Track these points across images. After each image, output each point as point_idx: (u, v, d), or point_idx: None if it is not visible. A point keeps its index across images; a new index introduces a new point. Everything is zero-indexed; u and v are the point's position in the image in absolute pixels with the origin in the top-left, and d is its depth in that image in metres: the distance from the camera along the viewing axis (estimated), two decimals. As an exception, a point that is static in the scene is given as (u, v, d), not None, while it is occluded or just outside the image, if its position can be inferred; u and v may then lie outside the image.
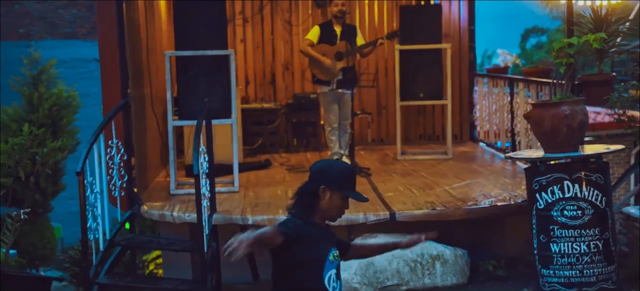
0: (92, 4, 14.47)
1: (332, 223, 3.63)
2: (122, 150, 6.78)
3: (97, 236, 6.23)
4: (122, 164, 6.75)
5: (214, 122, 6.96)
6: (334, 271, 3.55)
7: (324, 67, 8.28)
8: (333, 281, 3.54)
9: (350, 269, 6.17)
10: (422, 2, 10.24)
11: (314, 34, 8.43)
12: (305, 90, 10.46)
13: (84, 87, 13.25)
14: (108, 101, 7.88)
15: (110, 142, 6.61)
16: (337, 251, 3.60)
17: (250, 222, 6.56)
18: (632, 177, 11.07)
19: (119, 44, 7.15)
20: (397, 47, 9.05)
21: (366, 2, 10.68)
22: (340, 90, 8.37)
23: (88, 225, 6.04)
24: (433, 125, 10.91)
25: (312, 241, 3.49)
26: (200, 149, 6.20)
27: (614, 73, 8.86)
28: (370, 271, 6.16)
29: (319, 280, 3.50)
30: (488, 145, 10.03)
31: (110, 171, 6.62)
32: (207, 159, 6.45)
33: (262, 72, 10.76)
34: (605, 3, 11.54)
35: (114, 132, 6.67)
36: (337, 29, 8.37)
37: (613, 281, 5.90)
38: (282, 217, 6.46)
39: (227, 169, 7.74)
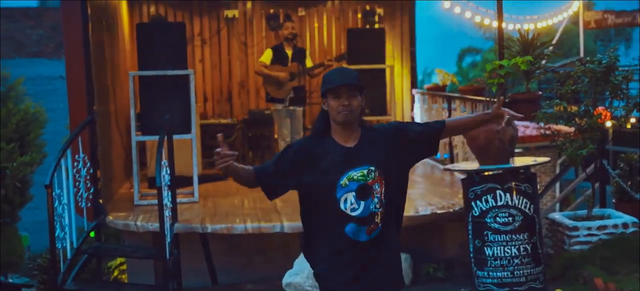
0: (58, 25, 14.29)
1: (341, 140, 3.31)
2: (88, 164, 6.72)
3: (64, 245, 6.16)
4: (88, 177, 6.70)
5: (175, 137, 6.95)
6: (351, 193, 3.27)
7: (280, 81, 8.33)
8: (351, 204, 3.27)
9: (303, 273, 6.21)
10: (368, 26, 10.36)
11: (267, 56, 8.48)
12: (259, 106, 10.48)
13: (50, 103, 13.06)
14: (75, 117, 7.81)
15: (77, 156, 6.56)
16: (362, 173, 3.27)
17: (209, 230, 6.56)
18: (557, 185, 11.36)
19: (85, 63, 7.11)
20: (345, 66, 9.14)
21: (316, 25, 10.77)
22: (291, 107, 8.45)
23: (56, 235, 5.98)
24: (378, 138, 11.01)
25: (320, 161, 3.28)
26: (162, 163, 6.19)
27: (541, 92, 9.08)
28: (321, 274, 6.19)
29: (333, 204, 3.27)
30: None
31: (76, 183, 6.56)
32: (168, 172, 6.44)
33: (219, 90, 10.76)
34: (532, 27, 11.85)
35: (80, 146, 6.61)
36: (289, 52, 8.44)
37: (540, 280, 6.05)
38: (240, 226, 6.50)
39: (187, 181, 7.72)
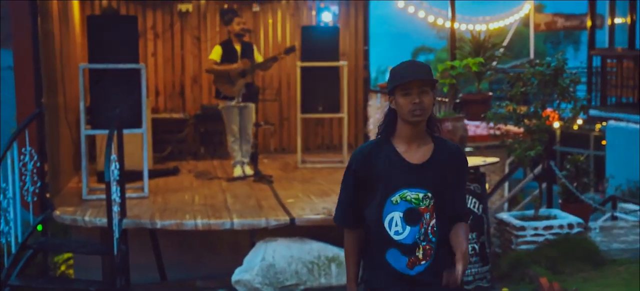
0: (7, 15, 13.96)
1: (404, 149, 2.95)
2: (36, 157, 6.57)
3: (9, 239, 6.03)
4: (35, 170, 6.55)
5: (125, 131, 6.84)
6: (399, 213, 2.92)
7: (231, 77, 8.23)
8: (397, 225, 2.93)
9: (252, 270, 6.18)
10: (322, 24, 10.36)
11: (216, 53, 8.36)
12: (212, 102, 10.37)
13: (-2, 94, 12.76)
14: (22, 109, 7.62)
15: (23, 149, 6.41)
16: (417, 195, 2.92)
17: (158, 226, 6.48)
18: (506, 184, 11.53)
19: (34, 55, 6.95)
20: (299, 63, 9.12)
21: (270, 21, 10.72)
22: (243, 104, 8.38)
23: (0, 229, 5.83)
24: (331, 135, 11.04)
25: (375, 172, 2.93)
26: (112, 157, 6.08)
27: (491, 93, 9.19)
28: (270, 272, 6.19)
29: (378, 220, 2.94)
30: (380, 154, 10.20)
31: (23, 177, 6.41)
32: (118, 167, 6.33)
33: (172, 84, 10.63)
34: (484, 28, 12.00)
35: (27, 139, 6.46)
36: (237, 47, 8.34)
37: (487, 279, 6.13)
38: (190, 222, 6.44)
39: (137, 175, 7.61)
